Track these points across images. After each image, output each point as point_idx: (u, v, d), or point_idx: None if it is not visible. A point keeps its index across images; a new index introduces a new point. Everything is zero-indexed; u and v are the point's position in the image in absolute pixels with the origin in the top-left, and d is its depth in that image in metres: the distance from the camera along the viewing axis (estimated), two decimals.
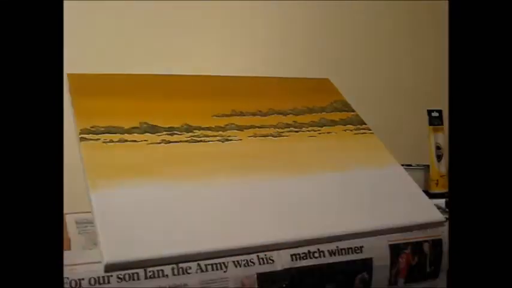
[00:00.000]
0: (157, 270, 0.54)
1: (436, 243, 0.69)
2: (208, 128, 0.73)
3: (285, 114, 0.81)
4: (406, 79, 1.24)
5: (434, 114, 1.05)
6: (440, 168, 1.03)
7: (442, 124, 1.04)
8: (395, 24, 1.23)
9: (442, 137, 1.04)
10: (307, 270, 0.61)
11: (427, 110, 1.05)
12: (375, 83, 1.21)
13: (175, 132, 0.71)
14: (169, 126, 0.71)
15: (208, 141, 0.71)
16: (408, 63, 1.24)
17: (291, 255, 0.61)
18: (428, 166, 1.03)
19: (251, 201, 0.64)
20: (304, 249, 0.62)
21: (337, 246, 0.63)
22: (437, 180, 1.02)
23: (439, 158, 1.03)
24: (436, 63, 1.18)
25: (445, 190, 1.00)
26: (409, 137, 1.14)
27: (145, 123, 0.70)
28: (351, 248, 0.64)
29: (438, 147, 1.04)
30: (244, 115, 0.77)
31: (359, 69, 1.19)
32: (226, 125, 0.74)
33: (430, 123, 1.04)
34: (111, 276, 0.53)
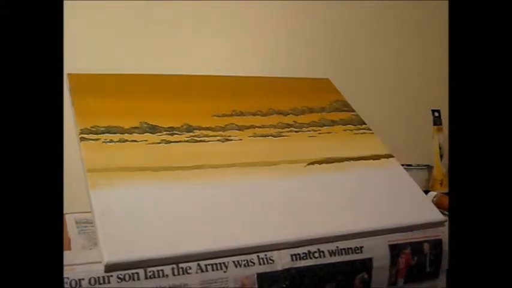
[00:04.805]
0: (157, 270, 0.54)
1: (436, 243, 0.69)
2: (209, 128, 0.73)
3: (285, 114, 0.81)
4: (407, 79, 1.24)
5: (437, 114, 1.04)
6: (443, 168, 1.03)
7: (441, 124, 1.04)
8: (396, 23, 1.23)
9: (442, 137, 1.04)
10: (307, 270, 0.61)
11: (432, 110, 1.05)
12: (375, 83, 1.20)
13: (175, 132, 0.71)
14: (169, 126, 0.71)
15: (208, 141, 0.71)
16: (410, 63, 1.24)
17: (291, 255, 0.61)
18: (429, 166, 1.03)
19: (251, 201, 0.64)
20: (304, 249, 0.62)
21: (337, 246, 0.63)
22: (441, 180, 1.02)
23: (440, 157, 1.03)
24: (438, 63, 1.17)
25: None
26: (411, 137, 1.13)
27: (146, 123, 0.70)
28: (351, 248, 0.64)
29: (439, 147, 1.04)
30: (244, 115, 0.77)
31: (359, 69, 1.19)
32: (227, 125, 0.74)
33: (434, 123, 1.04)
34: (111, 276, 0.53)
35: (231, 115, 0.77)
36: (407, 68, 1.24)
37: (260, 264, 0.59)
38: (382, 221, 0.67)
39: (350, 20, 1.18)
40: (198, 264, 0.56)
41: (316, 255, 0.62)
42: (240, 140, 0.73)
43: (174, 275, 0.55)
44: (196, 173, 0.66)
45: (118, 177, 0.61)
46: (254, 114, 0.78)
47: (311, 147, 0.76)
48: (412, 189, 0.74)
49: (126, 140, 0.67)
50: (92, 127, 0.67)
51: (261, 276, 0.58)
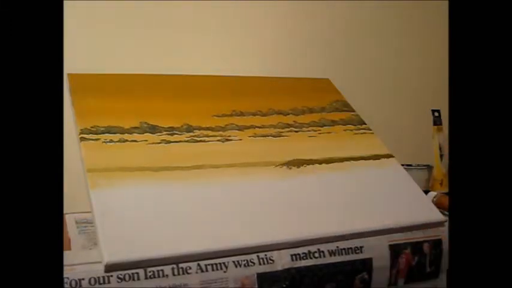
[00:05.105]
0: (157, 270, 0.54)
1: (436, 243, 0.69)
2: (209, 128, 0.73)
3: (285, 114, 0.81)
4: (407, 79, 1.24)
5: (437, 114, 1.04)
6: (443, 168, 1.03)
7: (441, 124, 1.04)
8: (396, 23, 1.23)
9: (442, 137, 1.04)
10: (307, 270, 0.61)
11: (432, 110, 1.05)
12: (375, 83, 1.20)
13: (175, 132, 0.71)
14: (169, 126, 0.71)
15: (208, 141, 0.71)
16: (410, 63, 1.24)
17: (291, 255, 0.61)
18: (429, 166, 1.03)
19: (251, 201, 0.64)
20: (304, 249, 0.62)
21: (337, 246, 0.63)
22: (441, 180, 1.02)
23: (440, 157, 1.03)
24: (438, 63, 1.17)
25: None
26: (411, 137, 1.13)
27: (146, 123, 0.70)
28: (351, 248, 0.64)
29: (439, 147, 1.04)
30: (244, 115, 0.77)
31: (359, 69, 1.19)
32: (227, 125, 0.74)
33: (434, 123, 1.04)
34: (111, 276, 0.53)
35: (231, 115, 0.77)
36: (407, 68, 1.24)
37: (260, 264, 0.59)
38: (382, 221, 0.67)
39: (350, 20, 1.18)
40: (198, 264, 0.56)
41: (316, 255, 0.62)
42: (240, 140, 0.73)
43: (174, 275, 0.55)
44: (196, 173, 0.66)
45: (118, 177, 0.61)
46: (254, 114, 0.78)
47: (311, 147, 0.76)
48: (412, 189, 0.74)
49: (126, 140, 0.67)
50: (92, 127, 0.67)
51: (261, 276, 0.58)
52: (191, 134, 0.71)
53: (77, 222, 0.65)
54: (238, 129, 0.75)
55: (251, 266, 0.58)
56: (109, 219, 0.57)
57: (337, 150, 0.77)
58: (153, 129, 0.70)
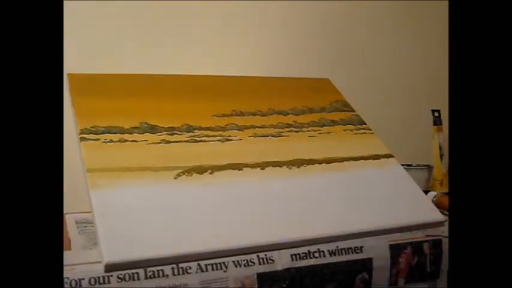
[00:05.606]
0: (157, 270, 0.54)
1: (436, 243, 0.69)
2: (209, 128, 0.73)
3: (285, 114, 0.81)
4: (407, 79, 1.24)
5: (437, 114, 1.04)
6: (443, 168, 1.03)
7: (441, 124, 1.04)
8: (396, 23, 1.23)
9: (442, 137, 1.04)
10: (307, 270, 0.61)
11: (432, 110, 1.05)
12: (375, 83, 1.21)
13: (175, 132, 0.71)
14: (169, 126, 0.71)
15: (208, 141, 0.71)
16: (410, 63, 1.24)
17: (291, 255, 0.61)
18: (429, 166, 1.03)
19: (251, 201, 0.64)
20: (304, 249, 0.62)
21: (337, 246, 0.63)
22: (441, 180, 1.02)
23: (440, 157, 1.03)
24: (438, 63, 1.18)
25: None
26: (411, 137, 1.13)
27: (146, 123, 0.70)
28: (351, 248, 0.64)
29: (439, 147, 1.04)
30: (244, 115, 0.77)
31: (359, 69, 1.19)
32: (227, 125, 0.74)
33: (434, 123, 1.04)
34: (111, 276, 0.53)
35: (231, 115, 0.77)
36: (408, 68, 1.24)
37: (260, 264, 0.59)
38: (382, 221, 0.67)
39: (350, 20, 1.18)
40: (198, 264, 0.56)
41: (316, 255, 0.62)
42: (240, 140, 0.73)
43: (174, 275, 0.55)
44: (196, 173, 0.66)
45: (118, 177, 0.61)
46: (254, 114, 0.78)
47: (311, 147, 0.76)
48: (412, 189, 0.74)
49: (126, 140, 0.67)
50: (92, 127, 0.67)
51: (261, 276, 0.58)
52: (191, 134, 0.71)
53: (77, 222, 0.65)
54: (238, 129, 0.75)
55: (251, 266, 0.58)
56: (109, 219, 0.57)
57: (337, 150, 0.77)
58: (153, 129, 0.70)
